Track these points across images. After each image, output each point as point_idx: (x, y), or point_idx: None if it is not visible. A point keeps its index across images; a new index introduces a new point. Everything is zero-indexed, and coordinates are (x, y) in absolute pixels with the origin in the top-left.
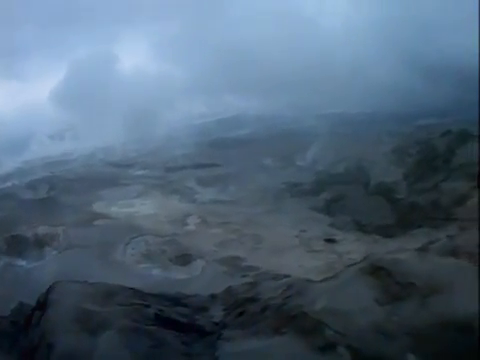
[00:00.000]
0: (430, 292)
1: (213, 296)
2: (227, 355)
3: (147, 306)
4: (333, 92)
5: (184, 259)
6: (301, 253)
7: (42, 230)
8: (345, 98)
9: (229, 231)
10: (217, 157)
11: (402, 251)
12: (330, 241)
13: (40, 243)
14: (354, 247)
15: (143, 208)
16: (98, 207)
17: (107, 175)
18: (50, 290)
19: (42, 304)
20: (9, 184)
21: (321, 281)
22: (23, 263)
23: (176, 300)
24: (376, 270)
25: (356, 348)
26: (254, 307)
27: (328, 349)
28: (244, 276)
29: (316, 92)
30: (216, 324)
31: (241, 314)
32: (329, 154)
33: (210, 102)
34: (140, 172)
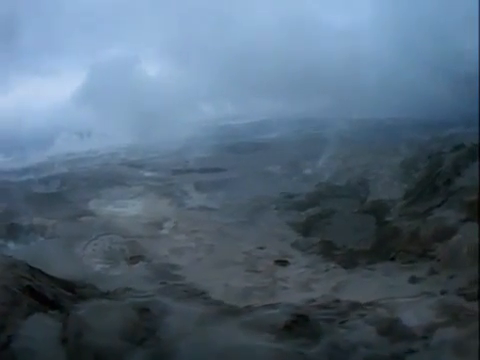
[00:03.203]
0: None
1: (108, 292)
2: (19, 335)
3: (29, 280)
4: (365, 97)
5: (134, 260)
6: (239, 272)
7: (37, 221)
8: (375, 103)
9: (192, 239)
10: (227, 162)
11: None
12: (281, 263)
13: (32, 231)
14: (297, 274)
15: (131, 209)
16: (92, 205)
17: (117, 175)
18: None
19: None
20: (25, 178)
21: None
22: (12, 245)
23: (71, 286)
24: (141, 311)
25: None
26: None
27: None
28: (162, 283)
29: (348, 96)
30: None
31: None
32: (338, 163)
33: (241, 105)
34: (148, 173)
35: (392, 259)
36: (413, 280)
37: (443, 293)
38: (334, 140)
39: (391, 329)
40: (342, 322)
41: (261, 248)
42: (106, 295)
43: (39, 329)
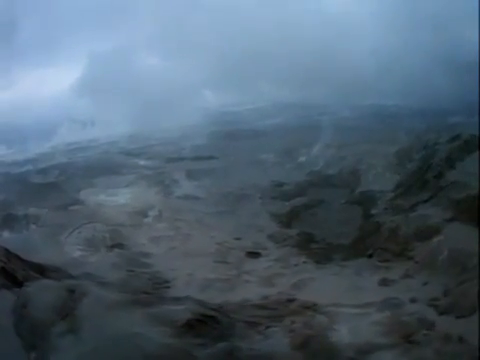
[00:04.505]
0: None
1: (74, 276)
2: None
3: (4, 263)
4: (368, 83)
5: (112, 247)
6: (207, 262)
7: (31, 211)
8: (379, 90)
9: (171, 228)
10: (222, 149)
11: None
12: (252, 255)
13: (26, 221)
14: (265, 267)
15: (120, 197)
16: (84, 194)
17: (113, 163)
18: None
19: None
20: (24, 169)
21: None
22: (6, 234)
23: (43, 270)
24: (70, 292)
25: None
26: None
27: None
28: (129, 271)
29: (352, 82)
30: None
31: None
32: (332, 151)
33: (244, 91)
34: (143, 162)
35: (370, 256)
36: (384, 282)
37: (413, 301)
38: (333, 127)
39: (312, 343)
40: (268, 327)
41: (237, 239)
42: (72, 278)
43: (3, 302)
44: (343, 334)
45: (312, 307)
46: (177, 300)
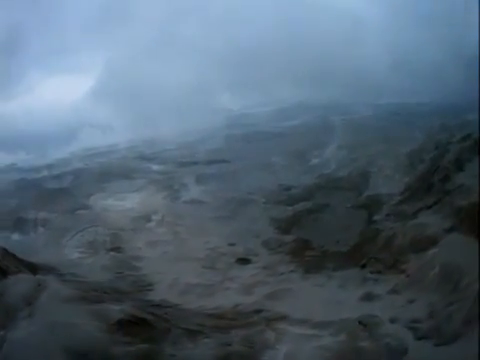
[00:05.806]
0: None
1: (62, 274)
2: None
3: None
4: (387, 81)
5: (111, 250)
6: (195, 267)
7: (41, 215)
8: (399, 88)
9: (170, 233)
10: (235, 153)
11: None
12: (242, 261)
13: (35, 224)
14: (250, 274)
15: (128, 202)
16: (93, 199)
17: (127, 168)
18: None
19: None
20: (40, 175)
21: None
22: (16, 236)
23: (35, 268)
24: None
25: None
26: None
27: None
28: (117, 273)
29: (370, 81)
30: None
31: None
32: (344, 153)
33: (263, 93)
34: (155, 166)
35: (362, 266)
36: (368, 297)
37: (392, 321)
38: (348, 127)
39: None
40: (206, 337)
41: (231, 244)
42: (59, 274)
43: None
44: (278, 356)
45: (271, 321)
46: (120, 300)
